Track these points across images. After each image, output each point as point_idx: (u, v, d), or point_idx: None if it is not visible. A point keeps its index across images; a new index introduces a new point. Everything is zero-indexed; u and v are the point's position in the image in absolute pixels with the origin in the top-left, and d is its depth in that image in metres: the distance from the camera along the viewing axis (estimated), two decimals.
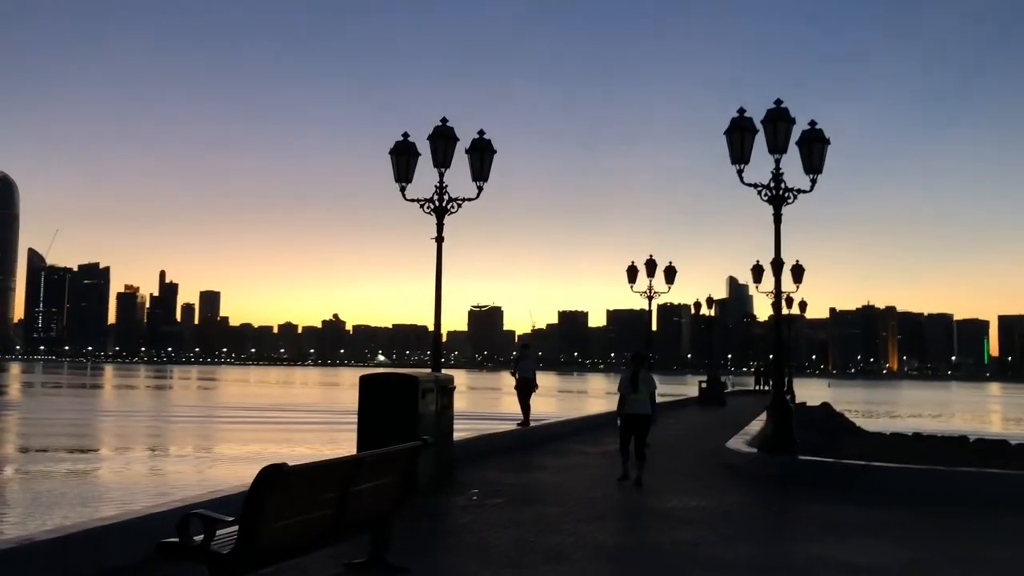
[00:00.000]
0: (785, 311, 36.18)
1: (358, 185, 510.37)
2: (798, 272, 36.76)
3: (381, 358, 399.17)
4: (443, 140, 14.48)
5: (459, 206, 14.51)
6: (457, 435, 16.24)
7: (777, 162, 13.67)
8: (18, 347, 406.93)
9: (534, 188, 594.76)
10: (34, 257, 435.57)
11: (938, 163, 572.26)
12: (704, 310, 46.92)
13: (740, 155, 13.58)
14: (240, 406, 58.25)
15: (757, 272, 35.58)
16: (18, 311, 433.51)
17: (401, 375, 11.20)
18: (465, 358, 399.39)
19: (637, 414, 12.03)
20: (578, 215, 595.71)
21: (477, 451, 14.95)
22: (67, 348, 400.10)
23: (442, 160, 14.48)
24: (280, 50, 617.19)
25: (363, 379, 10.97)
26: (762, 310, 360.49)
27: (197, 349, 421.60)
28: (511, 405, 19.46)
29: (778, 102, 13.80)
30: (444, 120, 14.62)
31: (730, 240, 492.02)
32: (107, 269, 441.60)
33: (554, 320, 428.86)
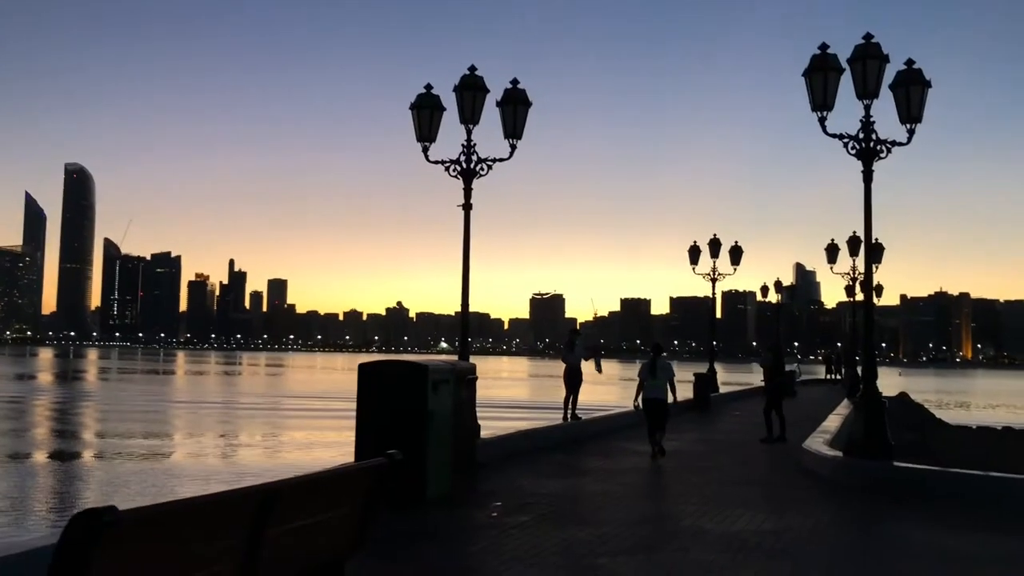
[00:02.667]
0: (859, 296, 33.26)
1: (421, 173, 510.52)
2: (877, 251, 33.76)
3: (444, 344, 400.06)
4: (471, 92, 12.52)
5: (489, 167, 12.58)
6: (501, 430, 14.44)
7: (867, 108, 11.39)
8: (95, 333, 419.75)
9: (596, 173, 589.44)
10: (109, 246, 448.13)
11: (1015, 141, 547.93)
12: (771, 295, 44.24)
13: (823, 100, 11.34)
14: (307, 394, 57.77)
15: (832, 252, 32.93)
16: (94, 299, 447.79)
17: (407, 363, 9.29)
18: (527, 345, 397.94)
19: (654, 398, 13.39)
20: (641, 200, 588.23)
21: (513, 450, 13.04)
22: (141, 335, 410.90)
23: (470, 116, 12.54)
24: (341, 46, 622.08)
25: (362, 368, 9.10)
26: (830, 297, 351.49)
27: (265, 336, 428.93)
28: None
29: (867, 37, 11.49)
30: (472, 68, 12.64)
31: (796, 227, 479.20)
32: (179, 258, 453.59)
33: (616, 307, 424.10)
